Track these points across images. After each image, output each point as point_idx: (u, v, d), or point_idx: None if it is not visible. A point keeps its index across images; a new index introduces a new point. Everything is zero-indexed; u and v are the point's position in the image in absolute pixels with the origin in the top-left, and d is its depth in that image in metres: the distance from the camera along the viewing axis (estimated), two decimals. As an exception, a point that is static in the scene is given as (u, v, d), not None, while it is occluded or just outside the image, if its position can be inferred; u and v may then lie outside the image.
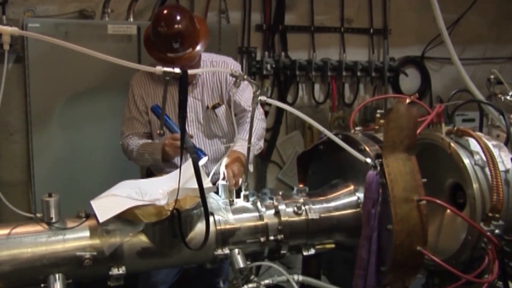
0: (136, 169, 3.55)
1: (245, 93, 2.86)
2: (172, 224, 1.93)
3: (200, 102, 2.89)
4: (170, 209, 1.90)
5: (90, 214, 1.97)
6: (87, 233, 1.91)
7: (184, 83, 1.79)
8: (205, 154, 2.69)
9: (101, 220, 1.89)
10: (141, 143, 2.85)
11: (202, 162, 2.61)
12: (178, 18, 2.67)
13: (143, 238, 1.95)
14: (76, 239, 1.89)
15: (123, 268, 1.90)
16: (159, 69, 1.73)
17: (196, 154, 2.51)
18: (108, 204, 1.95)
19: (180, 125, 1.82)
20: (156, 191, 2.07)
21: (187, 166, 1.99)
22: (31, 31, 3.20)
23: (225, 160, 2.46)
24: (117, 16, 3.90)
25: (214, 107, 2.88)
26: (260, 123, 2.88)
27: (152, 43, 2.75)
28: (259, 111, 2.93)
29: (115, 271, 1.89)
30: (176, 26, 2.66)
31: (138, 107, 2.88)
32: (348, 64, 4.79)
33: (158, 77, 2.77)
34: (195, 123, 2.88)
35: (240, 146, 2.62)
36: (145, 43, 2.80)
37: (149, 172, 2.98)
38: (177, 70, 1.75)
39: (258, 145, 2.88)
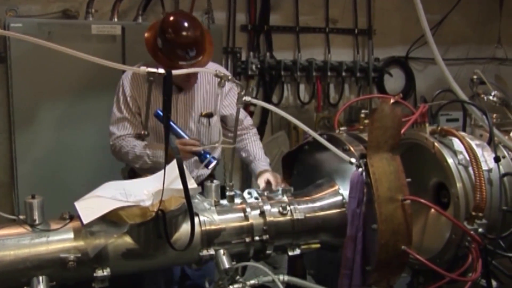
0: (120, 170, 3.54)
1: (241, 112, 2.88)
2: (157, 225, 1.92)
3: (194, 108, 2.89)
4: (155, 210, 1.89)
5: (74, 216, 1.95)
6: (71, 235, 1.89)
7: (168, 84, 1.79)
8: (215, 158, 2.74)
9: (85, 221, 1.87)
10: (137, 144, 2.80)
11: (213, 165, 2.70)
12: (193, 26, 2.71)
13: (127, 240, 1.94)
14: (60, 241, 1.87)
15: (108, 269, 1.89)
16: (143, 69, 1.73)
17: (206, 158, 2.64)
18: (92, 206, 1.94)
19: (164, 124, 1.81)
20: (141, 192, 2.06)
21: (172, 167, 1.98)
22: (14, 31, 3.18)
23: (262, 182, 2.64)
24: (101, 16, 3.88)
25: (207, 115, 2.89)
26: (258, 141, 3.02)
27: (160, 50, 2.72)
28: (254, 131, 3.06)
29: (99, 273, 1.87)
30: (192, 34, 2.69)
31: (130, 108, 2.84)
32: (333, 64, 4.81)
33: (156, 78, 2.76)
34: (186, 128, 2.86)
35: (264, 165, 2.82)
36: (151, 51, 2.75)
37: (131, 174, 2.95)
38: (161, 70, 1.75)
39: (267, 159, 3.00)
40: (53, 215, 1.96)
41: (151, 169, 2.67)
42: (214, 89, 2.88)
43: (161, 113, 2.65)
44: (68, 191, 2.84)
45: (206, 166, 2.69)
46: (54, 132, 3.48)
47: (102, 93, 3.47)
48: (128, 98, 2.84)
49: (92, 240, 1.89)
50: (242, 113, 3.00)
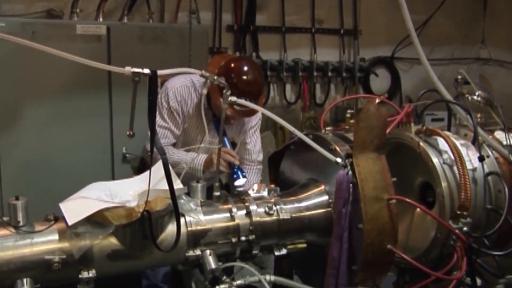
0: (107, 171, 3.52)
1: (257, 146, 3.17)
2: (142, 225, 1.91)
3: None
4: (141, 210, 1.88)
5: (59, 217, 1.94)
6: (56, 236, 1.88)
7: (153, 84, 1.78)
8: (245, 177, 2.85)
9: (70, 223, 1.86)
10: (176, 152, 2.90)
11: (240, 182, 2.79)
12: (259, 77, 2.86)
13: (113, 241, 1.93)
14: (45, 243, 1.86)
15: (93, 271, 1.88)
16: (128, 69, 1.72)
17: (237, 174, 2.78)
18: (77, 207, 1.93)
19: (149, 126, 1.81)
20: (126, 193, 2.05)
21: (157, 167, 1.97)
22: (-3, 31, 3.15)
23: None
24: (86, 16, 3.85)
25: (232, 143, 3.01)
26: (258, 175, 3.17)
27: (219, 88, 2.67)
28: (260, 167, 3.20)
29: (85, 275, 1.86)
30: (256, 85, 2.83)
31: (175, 120, 2.93)
32: (319, 64, 4.83)
33: (196, 90, 2.93)
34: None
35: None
36: (213, 90, 2.74)
37: (140, 168, 3.04)
38: (146, 70, 1.74)
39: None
40: (37, 216, 1.94)
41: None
42: (241, 120, 3.04)
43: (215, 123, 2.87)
44: (52, 192, 2.82)
45: (234, 180, 2.80)
46: (38, 133, 3.45)
47: (87, 94, 3.45)
48: (173, 111, 2.92)
49: (77, 242, 1.87)
50: (258, 147, 3.20)
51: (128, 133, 1.91)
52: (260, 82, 2.90)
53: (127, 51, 3.48)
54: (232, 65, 2.83)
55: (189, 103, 2.94)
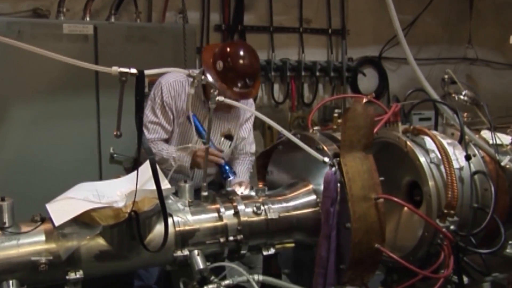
0: (95, 171, 3.51)
1: (250, 137, 3.28)
2: (130, 226, 1.90)
3: (220, 128, 3.10)
4: (128, 211, 1.87)
5: (45, 218, 1.92)
6: (43, 237, 1.86)
7: (140, 84, 1.78)
8: (234, 174, 2.93)
9: (57, 223, 1.85)
10: (164, 148, 2.96)
11: (229, 179, 2.83)
12: (255, 59, 2.97)
13: (100, 241, 1.91)
14: (31, 244, 1.84)
15: (81, 272, 1.86)
16: (115, 69, 1.71)
17: (225, 172, 2.84)
18: (64, 207, 1.91)
19: (137, 126, 1.80)
20: (114, 193, 2.04)
21: (145, 167, 1.97)
22: (-18, 30, 3.12)
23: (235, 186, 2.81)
24: (73, 16, 3.83)
25: (227, 137, 3.12)
26: (249, 166, 3.22)
27: (218, 73, 2.89)
28: (251, 158, 3.26)
29: (72, 276, 1.85)
30: (254, 66, 2.95)
31: (166, 115, 2.98)
32: (307, 64, 4.84)
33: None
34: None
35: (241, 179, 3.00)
36: (209, 70, 2.90)
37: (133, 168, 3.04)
38: (133, 70, 1.74)
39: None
40: (24, 217, 1.92)
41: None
42: (237, 113, 3.13)
43: (194, 119, 2.82)
44: (39, 193, 2.80)
45: (225, 178, 2.85)
46: (25, 133, 3.43)
47: (74, 94, 3.44)
48: (166, 106, 2.96)
49: (64, 242, 1.86)
50: (251, 138, 3.30)
51: (115, 133, 1.91)
52: (256, 63, 3.00)
53: (114, 51, 3.46)
54: (228, 49, 2.93)
55: (183, 98, 2.98)
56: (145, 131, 2.92)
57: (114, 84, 1.76)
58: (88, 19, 3.71)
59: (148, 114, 2.98)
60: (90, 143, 3.55)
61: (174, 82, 2.98)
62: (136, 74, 1.75)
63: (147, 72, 1.80)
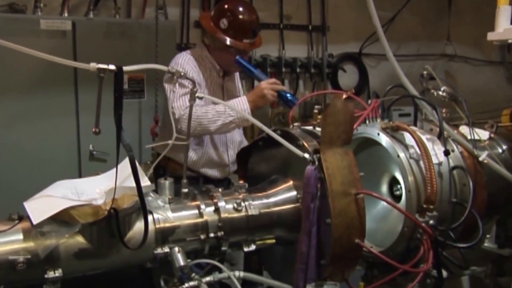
0: (74, 169, 3.48)
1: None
2: (109, 223, 1.89)
3: (236, 91, 3.26)
4: (107, 208, 1.86)
5: (23, 216, 1.90)
6: (20, 236, 1.84)
7: (119, 81, 1.76)
8: (296, 99, 3.03)
9: (35, 222, 1.83)
10: (208, 109, 2.88)
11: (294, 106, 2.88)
12: (252, 7, 3.17)
13: (80, 239, 1.90)
14: (8, 243, 1.82)
15: (60, 270, 1.85)
16: (93, 66, 1.70)
17: (288, 98, 2.89)
18: (42, 205, 1.89)
19: (116, 122, 1.78)
20: (93, 190, 2.02)
21: (124, 165, 1.95)
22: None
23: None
24: (51, 11, 3.78)
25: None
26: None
27: (224, 31, 3.01)
28: None
29: (51, 274, 1.83)
30: (255, 14, 3.11)
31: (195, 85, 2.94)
32: (287, 60, 4.84)
33: (205, 65, 3.10)
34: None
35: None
36: (213, 32, 3.02)
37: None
38: (112, 67, 1.72)
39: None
40: (1, 216, 1.91)
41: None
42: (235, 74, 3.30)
43: (242, 60, 3.07)
44: (17, 191, 2.77)
45: (290, 106, 2.85)
46: (2, 131, 3.38)
47: (52, 91, 3.40)
48: (190, 74, 2.94)
49: (42, 241, 1.84)
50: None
51: (94, 130, 1.89)
52: (255, 12, 3.15)
53: (93, 47, 3.43)
54: (226, 6, 3.06)
55: (201, 73, 3.06)
56: (181, 102, 2.86)
57: (93, 81, 1.75)
58: (66, 14, 3.66)
59: (176, 89, 2.90)
60: (69, 140, 3.52)
61: (190, 57, 3.05)
62: (114, 70, 1.74)
63: (125, 68, 1.79)
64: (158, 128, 3.57)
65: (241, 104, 2.89)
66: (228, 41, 3.00)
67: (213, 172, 3.11)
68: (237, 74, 3.37)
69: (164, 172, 2.82)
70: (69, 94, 3.46)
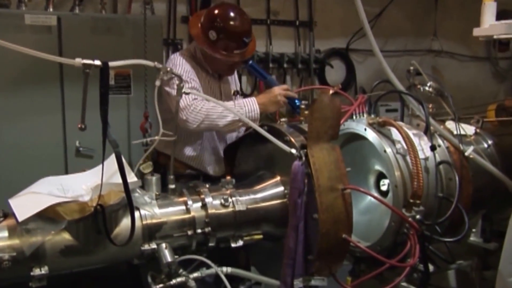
0: (60, 166, 3.45)
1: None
2: (96, 220, 1.88)
3: (230, 92, 3.12)
4: (94, 205, 1.85)
5: (8, 214, 1.89)
6: (5, 233, 1.83)
7: (105, 76, 1.75)
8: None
9: (20, 219, 1.81)
10: (214, 104, 2.76)
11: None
12: (242, 14, 2.93)
13: (66, 236, 1.89)
14: (-7, 240, 1.81)
15: (46, 268, 1.84)
16: (78, 61, 1.68)
17: (296, 103, 2.83)
18: (27, 202, 1.88)
19: (102, 118, 1.77)
20: (79, 187, 2.01)
21: (111, 161, 1.94)
22: None
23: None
24: (35, 6, 3.73)
25: (235, 93, 3.09)
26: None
27: (213, 43, 2.87)
28: None
29: (37, 272, 1.82)
30: (245, 22, 2.92)
31: (194, 80, 2.91)
32: (274, 56, 4.83)
33: (201, 65, 3.01)
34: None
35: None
36: (205, 45, 2.89)
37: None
38: (97, 62, 1.71)
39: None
40: (-15, 213, 1.89)
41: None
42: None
43: (254, 65, 3.10)
44: (2, 188, 2.75)
45: (298, 112, 2.75)
46: (-14, 128, 3.34)
47: (37, 87, 3.36)
48: (190, 73, 2.91)
49: (28, 238, 1.83)
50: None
51: (79, 126, 1.88)
52: (247, 19, 2.96)
53: (79, 43, 3.39)
54: (215, 15, 2.89)
55: (198, 74, 2.99)
56: (186, 97, 2.78)
57: (79, 77, 1.73)
58: (51, 9, 3.62)
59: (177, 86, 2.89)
60: (55, 136, 3.48)
61: (186, 58, 2.97)
62: (100, 66, 1.73)
63: (111, 64, 1.78)
64: (148, 124, 3.54)
65: (250, 105, 2.81)
66: (217, 54, 2.88)
67: (213, 170, 3.08)
68: (234, 76, 3.30)
69: (164, 171, 2.78)
70: (55, 90, 3.42)
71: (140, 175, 3.19)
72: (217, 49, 2.88)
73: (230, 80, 3.23)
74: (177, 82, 2.12)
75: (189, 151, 3.03)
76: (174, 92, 2.69)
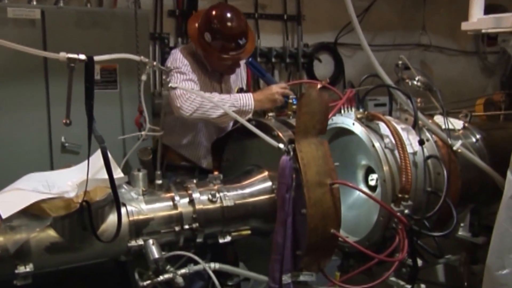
0: (45, 161, 3.43)
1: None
2: (82, 217, 1.87)
3: (232, 91, 3.12)
4: (80, 201, 1.84)
5: (-8, 210, 1.87)
6: (-11, 231, 1.82)
7: (90, 70, 1.74)
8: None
9: (4, 216, 1.80)
10: (211, 95, 2.82)
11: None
12: (238, 15, 2.95)
13: (51, 233, 1.88)
14: (-23, 238, 1.80)
15: (31, 265, 1.83)
16: (63, 55, 1.67)
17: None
18: (12, 199, 1.87)
19: (87, 113, 1.76)
20: (65, 183, 2.00)
21: (96, 156, 1.93)
22: None
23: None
24: (18, -1, 3.70)
25: (238, 91, 3.06)
26: None
27: (209, 44, 2.90)
28: None
29: (21, 269, 1.81)
30: (241, 24, 2.94)
31: (194, 74, 2.93)
32: (262, 50, 4.82)
33: (201, 62, 3.01)
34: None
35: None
36: (201, 47, 2.92)
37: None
38: (82, 56, 1.70)
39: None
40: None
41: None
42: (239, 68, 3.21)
43: (253, 63, 3.13)
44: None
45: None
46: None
47: (21, 81, 3.33)
48: (188, 66, 2.93)
49: (12, 235, 1.82)
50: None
51: (64, 121, 1.87)
52: (243, 20, 2.98)
53: (63, 37, 3.36)
54: (211, 17, 2.92)
55: (196, 68, 2.99)
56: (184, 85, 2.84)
57: (64, 71, 1.72)
58: (34, 2, 3.57)
59: (177, 76, 2.89)
60: (40, 132, 3.45)
61: (185, 53, 2.99)
62: (85, 60, 1.72)
63: (96, 58, 1.77)
64: (143, 118, 3.52)
65: (245, 99, 2.81)
66: (212, 56, 2.92)
67: (208, 163, 3.08)
68: (240, 73, 3.33)
69: (161, 162, 2.78)
70: (40, 85, 3.39)
71: (140, 162, 3.24)
72: (212, 51, 2.90)
73: (234, 78, 3.24)
74: (170, 74, 2.12)
75: (184, 142, 3.04)
76: (175, 83, 2.77)
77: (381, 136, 2.37)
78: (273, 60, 4.87)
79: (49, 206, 1.84)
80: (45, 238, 1.87)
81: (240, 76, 3.31)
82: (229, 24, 2.90)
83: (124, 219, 1.97)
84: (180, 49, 3.05)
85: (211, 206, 2.16)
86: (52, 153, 3.48)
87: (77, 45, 3.23)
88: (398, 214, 2.23)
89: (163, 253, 2.01)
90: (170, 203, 2.12)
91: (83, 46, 3.15)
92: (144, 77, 2.04)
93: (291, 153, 2.03)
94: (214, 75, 3.07)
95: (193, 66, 2.96)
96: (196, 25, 2.98)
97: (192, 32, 2.99)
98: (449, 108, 2.82)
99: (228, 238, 2.20)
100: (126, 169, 2.19)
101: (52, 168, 3.39)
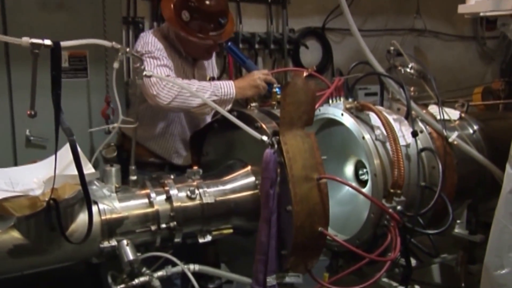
0: (8, 157, 3.41)
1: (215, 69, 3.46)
2: (49, 216, 1.87)
3: (206, 77, 3.17)
4: (46, 199, 1.84)
5: (-51, 210, 1.86)
6: None
7: (57, 57, 1.74)
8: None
9: (-37, 215, 1.80)
10: (194, 82, 2.84)
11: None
12: None
13: (15, 234, 1.87)
14: None
15: (-8, 270, 1.83)
16: (26, 40, 1.66)
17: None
18: (-29, 198, 1.86)
19: (53, 103, 1.76)
20: (30, 180, 1.99)
21: (64, 151, 1.93)
22: None
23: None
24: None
25: (211, 79, 3.15)
26: None
27: (187, 24, 2.90)
28: None
29: (-18, 274, 1.81)
30: (223, 1, 2.98)
31: (167, 58, 2.92)
32: (245, 35, 4.82)
33: (174, 46, 3.04)
34: None
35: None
36: (178, 27, 2.92)
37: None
38: (47, 42, 1.69)
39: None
40: None
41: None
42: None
43: (233, 47, 3.20)
44: None
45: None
46: None
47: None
48: (162, 51, 2.93)
49: (-28, 237, 1.81)
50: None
51: (29, 112, 1.86)
52: (223, 1, 3.00)
53: (26, 20, 3.33)
54: None
55: (171, 56, 3.00)
56: (160, 71, 2.84)
57: (27, 58, 1.71)
58: (-7, -17, 3.56)
59: (150, 62, 2.87)
60: (2, 125, 3.43)
61: (159, 37, 2.99)
62: (51, 46, 1.71)
63: (63, 44, 1.76)
64: (110, 110, 3.51)
65: (226, 88, 2.83)
66: (192, 37, 2.91)
67: (180, 158, 3.09)
68: (211, 61, 3.37)
69: (127, 157, 2.77)
70: (0, 73, 3.37)
71: (104, 160, 3.22)
72: (191, 31, 2.90)
73: (206, 65, 3.26)
74: (145, 61, 2.11)
75: (153, 135, 3.03)
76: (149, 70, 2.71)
77: (372, 128, 2.38)
78: (256, 46, 4.88)
79: (12, 205, 1.83)
80: (8, 240, 1.86)
81: (212, 65, 3.34)
82: (209, 1, 2.90)
83: (96, 218, 1.97)
84: (152, 32, 3.05)
85: (190, 203, 2.16)
86: (16, 147, 3.46)
87: (42, 29, 3.20)
88: (390, 210, 2.25)
89: (138, 254, 2.01)
90: (146, 200, 2.12)
91: (49, 30, 3.11)
92: (116, 65, 2.03)
93: (276, 146, 2.04)
94: (186, 62, 3.08)
95: (167, 51, 2.96)
96: (172, 5, 2.96)
97: (167, 12, 2.98)
98: (444, 97, 2.84)
99: (208, 238, 2.20)
100: (94, 164, 2.18)
101: (15, 164, 3.37)
